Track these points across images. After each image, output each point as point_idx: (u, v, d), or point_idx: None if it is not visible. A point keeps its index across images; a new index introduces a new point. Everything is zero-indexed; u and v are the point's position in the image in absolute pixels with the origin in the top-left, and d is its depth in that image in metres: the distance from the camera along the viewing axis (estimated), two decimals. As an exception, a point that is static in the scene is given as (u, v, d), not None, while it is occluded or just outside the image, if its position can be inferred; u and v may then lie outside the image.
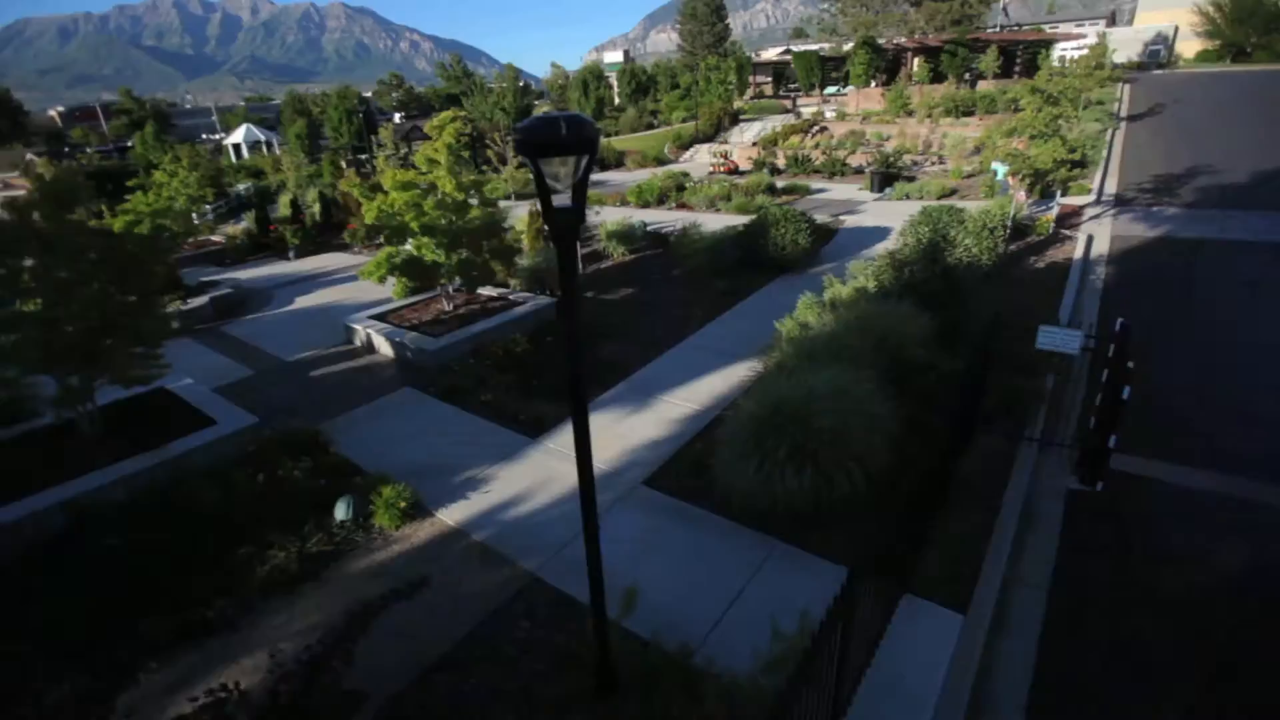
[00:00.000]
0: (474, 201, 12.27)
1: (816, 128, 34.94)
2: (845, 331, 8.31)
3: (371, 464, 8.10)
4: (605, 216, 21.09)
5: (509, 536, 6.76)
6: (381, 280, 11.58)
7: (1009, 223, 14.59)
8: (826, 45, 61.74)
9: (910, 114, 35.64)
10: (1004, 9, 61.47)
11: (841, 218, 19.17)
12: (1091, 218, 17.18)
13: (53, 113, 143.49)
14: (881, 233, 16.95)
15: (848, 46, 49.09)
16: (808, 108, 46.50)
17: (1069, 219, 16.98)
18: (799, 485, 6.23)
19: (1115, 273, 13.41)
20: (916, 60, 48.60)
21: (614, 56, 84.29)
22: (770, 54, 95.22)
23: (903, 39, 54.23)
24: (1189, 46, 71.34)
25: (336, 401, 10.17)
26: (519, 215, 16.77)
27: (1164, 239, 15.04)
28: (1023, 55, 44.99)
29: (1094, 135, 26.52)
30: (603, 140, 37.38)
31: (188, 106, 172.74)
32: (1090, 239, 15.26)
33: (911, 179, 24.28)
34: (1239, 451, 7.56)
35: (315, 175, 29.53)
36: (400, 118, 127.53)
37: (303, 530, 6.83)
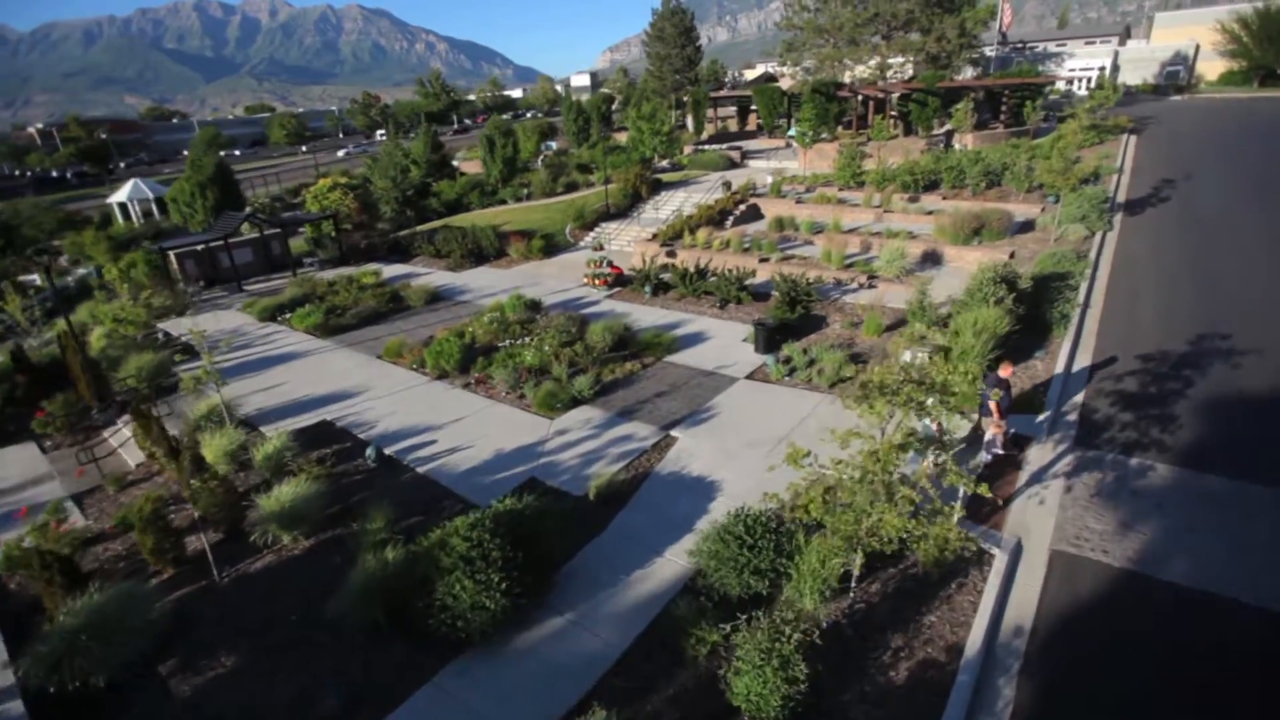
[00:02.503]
0: None
1: (743, 206, 28.76)
2: None
3: None
4: (361, 409, 14.95)
5: None
6: None
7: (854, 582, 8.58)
8: (788, 70, 55.90)
9: (863, 184, 29.40)
10: (1001, 33, 54.51)
11: (673, 434, 13.11)
12: (1034, 475, 11.06)
13: (31, 129, 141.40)
14: (706, 495, 10.95)
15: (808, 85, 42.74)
16: (757, 160, 40.29)
17: (998, 480, 10.91)
18: None
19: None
20: (892, 105, 42.23)
21: (581, 80, 78.11)
22: (754, 73, 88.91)
23: (863, 71, 48.07)
24: (1211, 67, 63.73)
25: None
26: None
27: (1137, 581, 8.85)
28: (1009, 100, 38.35)
29: (1073, 251, 20.26)
30: (485, 216, 31.10)
31: (174, 121, 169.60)
32: (1012, 572, 9.15)
33: (821, 320, 18.18)
34: None
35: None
36: (381, 134, 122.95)
37: None
